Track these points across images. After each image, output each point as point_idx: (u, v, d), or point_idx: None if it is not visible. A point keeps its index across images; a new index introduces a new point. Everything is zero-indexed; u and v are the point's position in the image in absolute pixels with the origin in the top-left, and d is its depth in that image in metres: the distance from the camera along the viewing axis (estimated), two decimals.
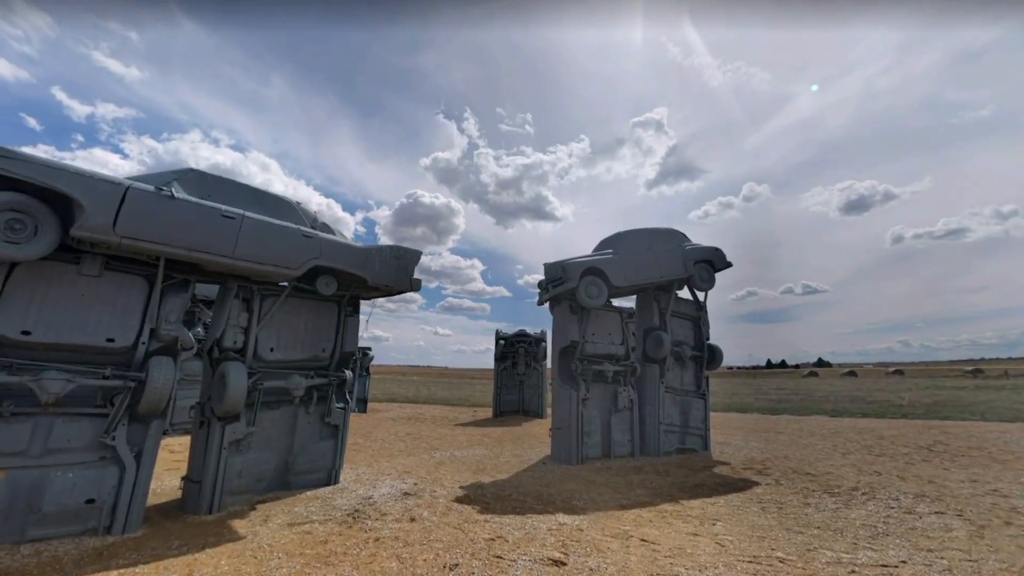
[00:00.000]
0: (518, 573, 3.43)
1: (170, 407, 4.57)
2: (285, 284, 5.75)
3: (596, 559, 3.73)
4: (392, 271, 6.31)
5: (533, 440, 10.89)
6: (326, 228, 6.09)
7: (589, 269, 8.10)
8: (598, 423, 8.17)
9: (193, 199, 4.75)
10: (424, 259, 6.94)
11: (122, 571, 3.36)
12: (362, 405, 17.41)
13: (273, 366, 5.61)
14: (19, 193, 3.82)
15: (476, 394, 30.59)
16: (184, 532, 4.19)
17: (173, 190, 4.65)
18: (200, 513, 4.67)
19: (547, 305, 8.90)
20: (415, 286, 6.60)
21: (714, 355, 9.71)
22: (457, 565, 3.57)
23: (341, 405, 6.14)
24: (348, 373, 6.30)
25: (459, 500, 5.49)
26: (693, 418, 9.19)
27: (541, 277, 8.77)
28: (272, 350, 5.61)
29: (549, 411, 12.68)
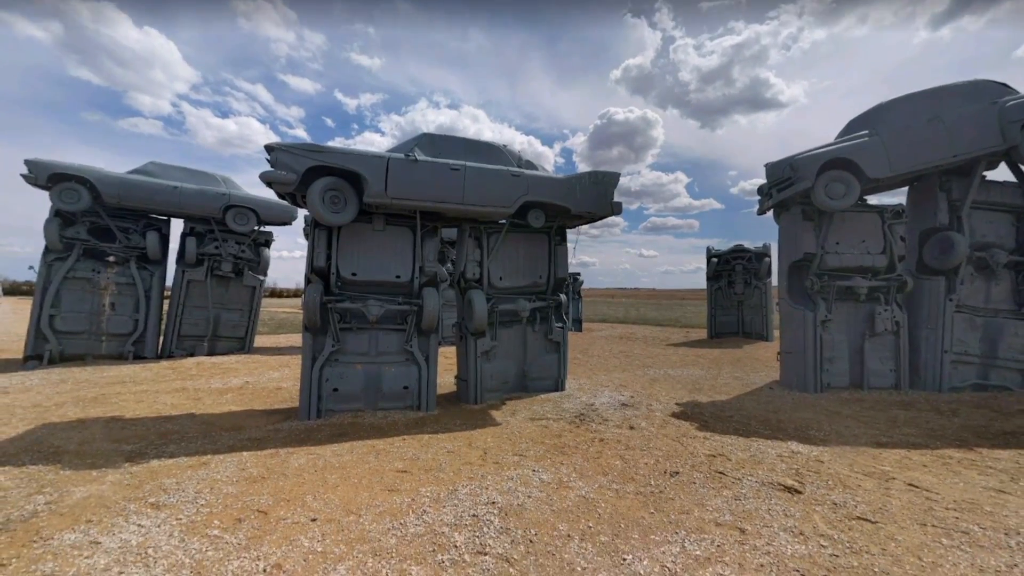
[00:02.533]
0: (744, 492, 3.46)
1: (440, 325, 6.05)
2: (504, 221, 6.55)
3: (841, 494, 3.42)
4: (592, 197, 6.42)
5: (756, 363, 10.05)
6: (530, 165, 6.53)
7: (831, 162, 6.45)
8: (845, 348, 6.92)
9: (429, 159, 5.74)
10: (623, 180, 6.83)
11: (430, 435, 4.84)
12: (577, 325, 19.03)
13: (503, 292, 6.65)
14: (333, 177, 5.35)
15: (688, 315, 29.37)
16: (462, 415, 5.69)
17: (416, 154, 5.72)
18: (469, 403, 6.21)
19: (771, 214, 7.63)
20: (616, 209, 6.58)
21: None
22: (678, 473, 3.82)
23: (560, 324, 6.91)
24: (563, 296, 6.97)
25: (675, 415, 5.69)
26: (1006, 346, 6.82)
27: (762, 181, 7.48)
28: (501, 279, 6.62)
29: (777, 334, 11.33)
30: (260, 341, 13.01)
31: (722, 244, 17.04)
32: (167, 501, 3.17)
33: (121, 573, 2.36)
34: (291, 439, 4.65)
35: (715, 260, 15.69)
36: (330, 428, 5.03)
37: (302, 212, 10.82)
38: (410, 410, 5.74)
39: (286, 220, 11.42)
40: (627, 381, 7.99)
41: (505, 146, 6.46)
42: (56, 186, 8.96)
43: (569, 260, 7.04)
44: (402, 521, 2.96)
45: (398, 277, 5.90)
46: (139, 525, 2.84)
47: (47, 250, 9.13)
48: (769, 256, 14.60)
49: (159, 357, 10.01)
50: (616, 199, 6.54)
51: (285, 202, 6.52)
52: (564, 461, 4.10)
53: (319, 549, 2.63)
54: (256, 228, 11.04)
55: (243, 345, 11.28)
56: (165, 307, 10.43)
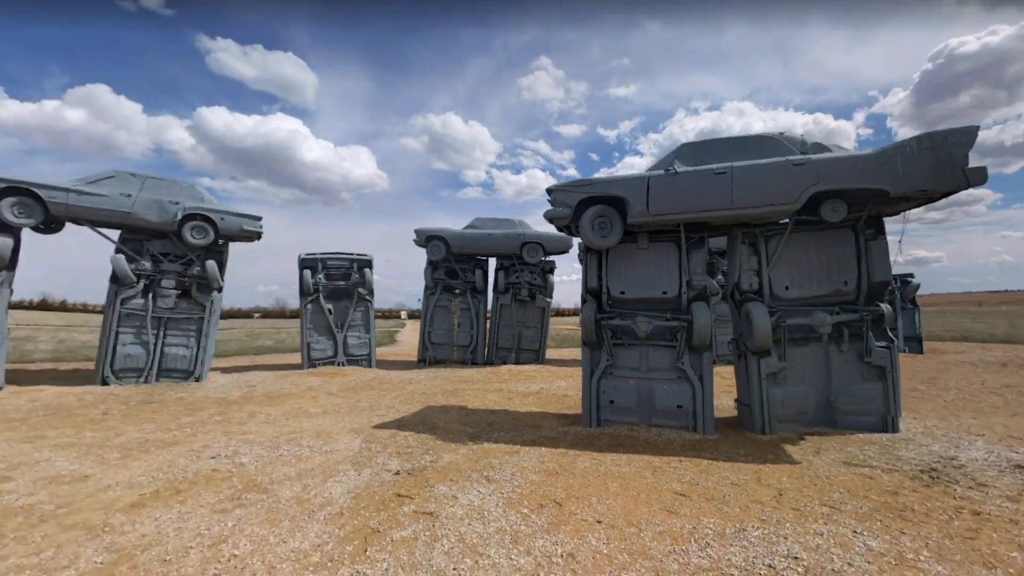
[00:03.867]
0: None
1: (714, 342, 5.65)
2: (787, 220, 5.59)
3: None
4: (926, 168, 4.70)
5: None
6: (818, 148, 5.37)
7: None
8: None
9: (690, 169, 5.56)
10: (984, 134, 4.68)
11: (710, 461, 4.54)
12: (914, 344, 13.96)
13: (792, 304, 5.63)
14: (600, 204, 5.90)
15: None
16: (746, 444, 5.09)
17: (676, 167, 5.64)
18: (755, 432, 5.48)
19: None
20: (973, 179, 4.59)
21: None
22: None
23: (883, 344, 5.26)
24: (885, 307, 5.30)
25: None
26: None
27: None
28: (787, 288, 5.64)
29: None
30: (550, 354, 15.20)
31: None
32: (494, 476, 4.19)
33: (470, 524, 3.28)
34: (577, 442, 5.29)
35: None
36: (609, 437, 5.44)
37: (576, 240, 12.24)
38: (685, 430, 5.55)
39: (564, 249, 13.20)
40: (1021, 430, 5.24)
41: (781, 133, 5.56)
42: (428, 244, 13.30)
43: (892, 258, 5.31)
44: (684, 548, 2.93)
45: (665, 293, 5.89)
46: (478, 491, 3.87)
47: (426, 287, 13.61)
48: None
49: (485, 364, 13.19)
50: (974, 164, 4.55)
51: (563, 234, 7.52)
52: (906, 529, 3.10)
53: (604, 551, 2.91)
54: (543, 258, 13.21)
55: (538, 356, 13.52)
56: (487, 326, 13.74)
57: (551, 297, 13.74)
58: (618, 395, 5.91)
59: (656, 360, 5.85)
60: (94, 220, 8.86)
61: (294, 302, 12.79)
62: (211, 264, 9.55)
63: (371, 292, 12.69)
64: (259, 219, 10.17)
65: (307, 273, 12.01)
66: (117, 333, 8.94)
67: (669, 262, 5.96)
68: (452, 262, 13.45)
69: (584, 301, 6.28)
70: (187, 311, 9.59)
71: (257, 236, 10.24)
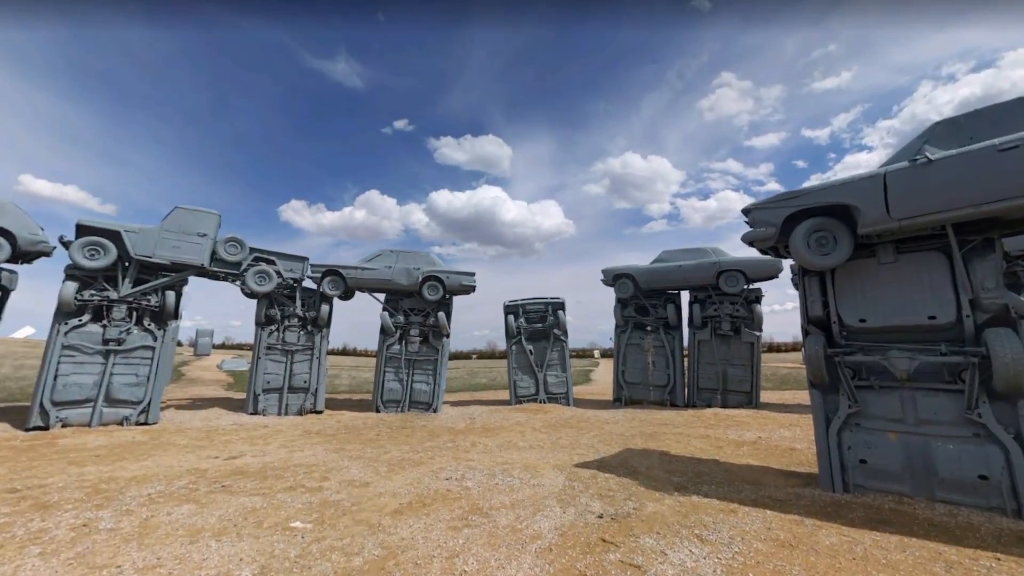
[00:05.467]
0: None
1: None
2: None
3: None
4: None
5: None
6: None
7: None
8: None
9: (953, 152, 4.24)
10: None
11: None
12: None
13: None
14: (815, 217, 5.00)
15: None
16: None
17: (927, 154, 4.39)
18: None
19: None
20: None
21: None
22: None
23: None
24: None
25: None
26: None
27: None
28: None
29: None
30: (765, 396, 12.93)
31: None
32: (708, 537, 3.75)
33: None
34: (815, 510, 4.31)
35: None
36: (864, 509, 4.25)
37: (788, 262, 10.42)
38: (997, 513, 3.90)
39: (772, 274, 11.41)
40: None
41: None
42: (616, 282, 13.37)
43: None
44: None
45: (932, 318, 4.45)
46: (690, 551, 3.52)
47: (617, 326, 13.57)
48: None
49: (686, 406, 12.07)
50: None
51: (769, 257, 6.58)
52: None
53: None
54: (745, 287, 11.63)
55: (750, 399, 11.64)
56: (685, 364, 12.67)
57: (760, 330, 11.84)
58: (873, 454, 4.61)
59: (930, 409, 4.38)
60: (370, 288, 12.13)
61: (502, 344, 14.43)
62: (441, 315, 11.85)
63: (565, 332, 13.33)
64: (473, 274, 12.12)
65: (510, 318, 13.47)
66: (384, 372, 11.78)
67: (934, 276, 4.52)
68: (641, 298, 13.10)
69: (806, 333, 5.26)
70: (426, 354, 11.99)
71: (472, 289, 12.18)
